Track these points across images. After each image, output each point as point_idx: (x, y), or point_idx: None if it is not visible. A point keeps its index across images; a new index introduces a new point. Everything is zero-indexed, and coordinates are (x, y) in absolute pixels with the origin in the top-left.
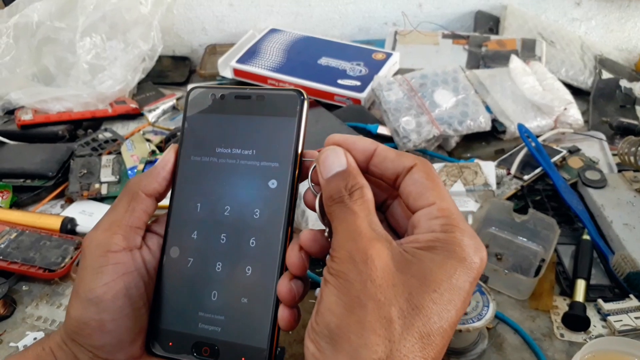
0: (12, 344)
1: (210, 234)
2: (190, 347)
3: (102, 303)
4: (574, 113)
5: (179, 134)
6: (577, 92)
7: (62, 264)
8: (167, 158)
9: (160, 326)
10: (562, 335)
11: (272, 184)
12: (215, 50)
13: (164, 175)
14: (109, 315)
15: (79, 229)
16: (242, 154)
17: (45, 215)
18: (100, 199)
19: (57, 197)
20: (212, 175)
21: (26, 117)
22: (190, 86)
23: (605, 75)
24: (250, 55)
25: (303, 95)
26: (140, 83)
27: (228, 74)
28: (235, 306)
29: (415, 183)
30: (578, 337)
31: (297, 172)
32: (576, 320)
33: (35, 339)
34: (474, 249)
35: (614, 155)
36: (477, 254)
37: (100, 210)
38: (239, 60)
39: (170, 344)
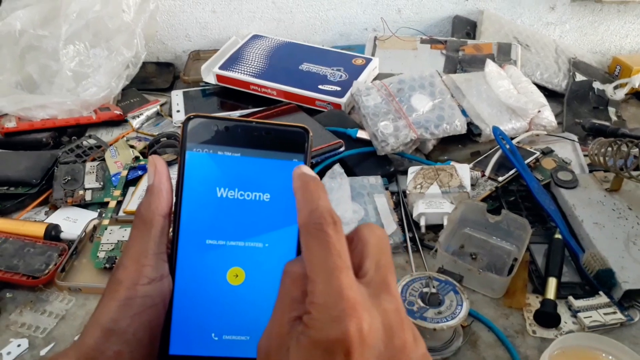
0: None
1: (221, 259)
2: None
3: (124, 335)
4: (547, 115)
5: (163, 139)
6: (552, 95)
7: (46, 271)
8: (160, 172)
9: (178, 352)
10: (534, 332)
11: (280, 218)
12: (199, 56)
13: (167, 190)
14: (128, 346)
15: (63, 235)
16: (252, 189)
17: (29, 222)
18: (85, 205)
19: (42, 204)
20: (218, 210)
21: (10, 124)
22: (186, 115)
23: (579, 77)
24: (233, 61)
25: (310, 133)
26: (124, 89)
27: (211, 79)
28: (256, 325)
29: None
30: (549, 333)
31: None
32: (547, 317)
33: (19, 345)
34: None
35: (585, 156)
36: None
37: (84, 216)
38: (222, 67)
39: None
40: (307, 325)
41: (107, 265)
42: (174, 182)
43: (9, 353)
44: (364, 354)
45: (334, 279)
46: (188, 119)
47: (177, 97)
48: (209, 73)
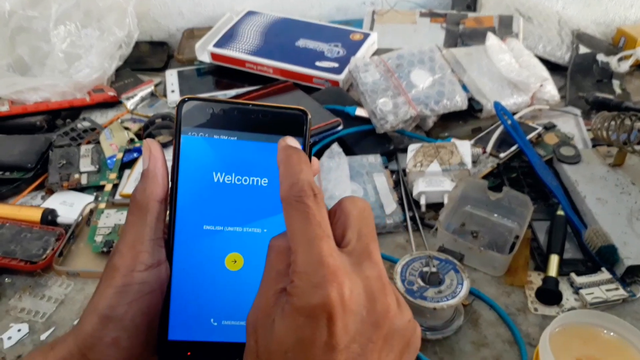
0: None
1: (219, 244)
2: (211, 354)
3: (121, 321)
4: (550, 89)
5: (157, 121)
6: (555, 68)
7: (44, 256)
8: (155, 156)
9: (177, 338)
10: (535, 309)
11: (279, 203)
12: (193, 34)
13: (162, 175)
14: (126, 333)
15: (59, 219)
16: (249, 174)
17: (26, 208)
18: (81, 189)
19: (37, 188)
20: (215, 195)
21: (2, 108)
22: (181, 97)
23: (583, 50)
24: (227, 38)
25: (308, 115)
26: (118, 70)
27: (206, 58)
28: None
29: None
30: (551, 310)
31: None
32: (549, 295)
33: (19, 330)
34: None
35: (588, 130)
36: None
37: (80, 200)
38: (217, 44)
39: (189, 353)
40: (290, 293)
41: (105, 249)
42: (169, 166)
43: (9, 338)
44: (346, 319)
45: (314, 247)
46: (182, 102)
47: (171, 76)
48: (204, 51)
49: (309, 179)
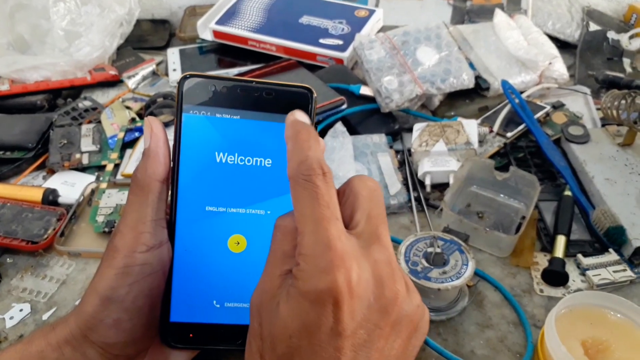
0: None
1: (222, 226)
2: (214, 336)
3: (122, 303)
4: (559, 67)
5: (159, 100)
6: (564, 46)
7: (45, 236)
8: (157, 135)
9: (179, 319)
10: (541, 290)
11: (283, 184)
12: (195, 12)
13: (163, 154)
14: (127, 314)
15: (60, 199)
16: (252, 154)
17: (27, 187)
18: (82, 169)
19: (38, 168)
20: (218, 176)
21: (2, 87)
22: (182, 74)
23: (593, 27)
24: (230, 15)
25: (313, 93)
26: (119, 49)
27: (208, 36)
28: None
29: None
30: (557, 292)
31: None
32: (555, 276)
33: (21, 310)
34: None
35: (598, 109)
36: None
37: (82, 180)
38: (219, 22)
39: (191, 335)
40: (296, 276)
41: (107, 230)
42: (171, 145)
43: (11, 317)
44: (353, 304)
45: (321, 230)
46: (183, 79)
47: (173, 55)
48: (206, 29)
49: (318, 157)
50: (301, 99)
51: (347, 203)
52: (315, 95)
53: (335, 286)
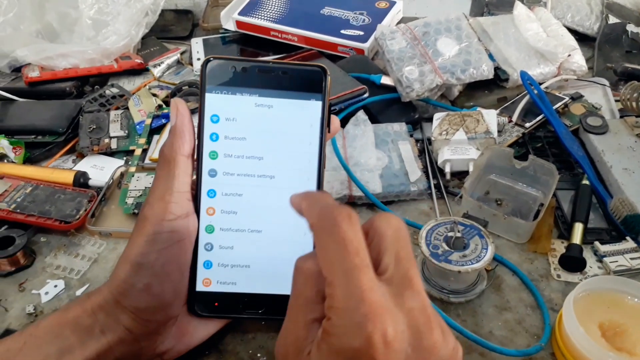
0: (34, 291)
1: (249, 192)
2: (238, 304)
3: (152, 268)
4: (577, 59)
5: (184, 88)
6: (583, 39)
7: (77, 216)
8: (182, 113)
9: (205, 289)
10: (558, 276)
11: (303, 151)
12: (217, 3)
13: (189, 131)
14: (157, 279)
15: (91, 182)
16: (272, 129)
17: (58, 170)
18: (111, 153)
19: (69, 152)
20: (241, 145)
21: (33, 74)
22: (205, 57)
23: (612, 20)
24: (252, 6)
25: (327, 71)
26: (143, 38)
27: (231, 26)
28: (279, 261)
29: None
30: (574, 277)
31: (324, 141)
32: (572, 262)
33: (55, 286)
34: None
35: (616, 101)
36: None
37: (110, 164)
38: (242, 12)
39: (217, 304)
40: (328, 332)
41: (136, 211)
42: (195, 124)
43: (47, 293)
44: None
45: (353, 281)
46: (207, 61)
47: (197, 44)
48: (229, 19)
49: (337, 203)
50: (315, 78)
51: (373, 245)
52: (329, 73)
53: (371, 343)
